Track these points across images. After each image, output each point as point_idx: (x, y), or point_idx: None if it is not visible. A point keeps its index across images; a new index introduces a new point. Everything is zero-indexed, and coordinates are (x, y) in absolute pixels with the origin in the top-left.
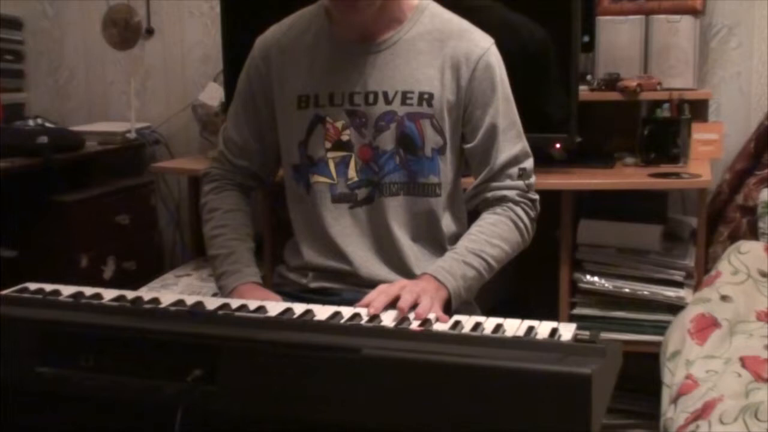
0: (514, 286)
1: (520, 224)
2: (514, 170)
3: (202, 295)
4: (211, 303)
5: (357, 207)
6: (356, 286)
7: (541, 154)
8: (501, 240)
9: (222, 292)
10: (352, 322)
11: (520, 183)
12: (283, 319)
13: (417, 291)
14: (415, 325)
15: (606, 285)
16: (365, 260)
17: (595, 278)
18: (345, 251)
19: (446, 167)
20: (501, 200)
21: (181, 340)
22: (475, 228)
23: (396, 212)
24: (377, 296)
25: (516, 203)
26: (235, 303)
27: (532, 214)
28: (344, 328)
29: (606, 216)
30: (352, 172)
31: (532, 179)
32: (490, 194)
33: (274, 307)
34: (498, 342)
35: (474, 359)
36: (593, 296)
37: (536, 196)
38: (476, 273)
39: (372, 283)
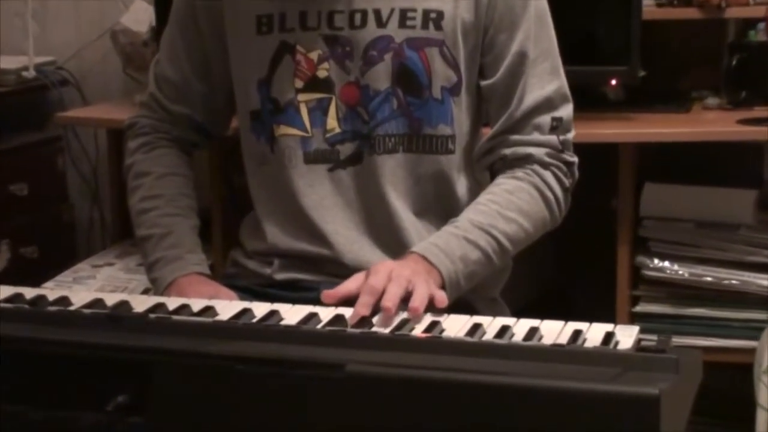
0: (555, 275)
1: (548, 194)
2: (545, 119)
3: (129, 292)
4: (141, 303)
5: (339, 169)
6: (338, 277)
7: (592, 95)
8: (519, 213)
9: (155, 287)
10: (334, 328)
11: (552, 138)
12: (239, 325)
13: (406, 276)
14: (418, 330)
15: (680, 272)
16: (351, 242)
17: (665, 263)
18: (323, 230)
19: (461, 113)
20: (524, 160)
21: (99, 355)
22: (485, 196)
23: (393, 176)
24: (371, 279)
25: (545, 166)
26: (172, 303)
27: (567, 182)
28: (322, 336)
29: (680, 178)
30: (332, 122)
31: (570, 134)
32: (509, 151)
33: (227, 307)
34: (533, 353)
35: (500, 377)
36: (662, 288)
37: (574, 158)
38: (481, 255)
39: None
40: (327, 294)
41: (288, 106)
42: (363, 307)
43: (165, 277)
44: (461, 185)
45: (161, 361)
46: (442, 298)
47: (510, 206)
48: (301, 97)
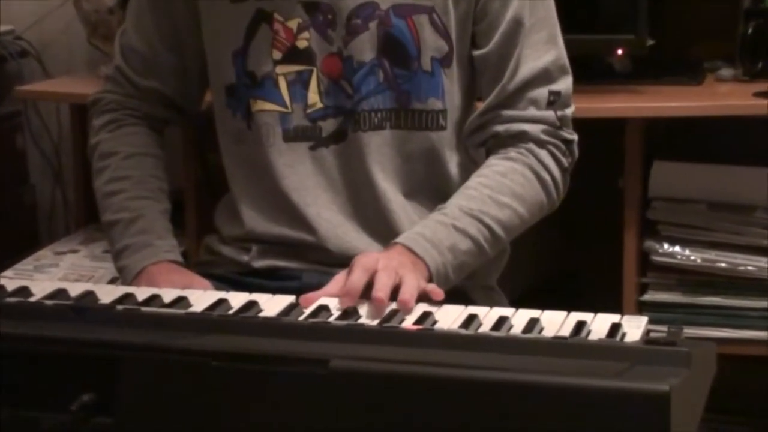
0: (556, 262)
1: (545, 176)
2: (541, 93)
3: (95, 281)
4: (107, 294)
5: (321, 147)
6: (322, 264)
7: (596, 66)
8: (513, 198)
9: (123, 276)
10: (317, 320)
11: (548, 114)
12: (214, 317)
13: (394, 267)
14: (409, 322)
15: (692, 258)
16: (335, 226)
17: (676, 248)
18: (305, 213)
19: (453, 86)
20: (518, 138)
21: (62, 350)
22: (475, 179)
23: (380, 154)
24: (350, 280)
25: (540, 144)
26: (142, 293)
27: (565, 162)
28: (305, 329)
29: (691, 156)
30: (313, 96)
31: (569, 110)
32: (501, 127)
33: (201, 298)
34: (532, 346)
35: (496, 373)
36: (673, 275)
37: (573, 136)
38: (472, 245)
39: (345, 261)
40: (306, 299)
41: (265, 79)
42: (351, 291)
43: (133, 265)
44: (454, 164)
45: (130, 356)
46: (436, 291)
47: (503, 190)
48: (280, 69)
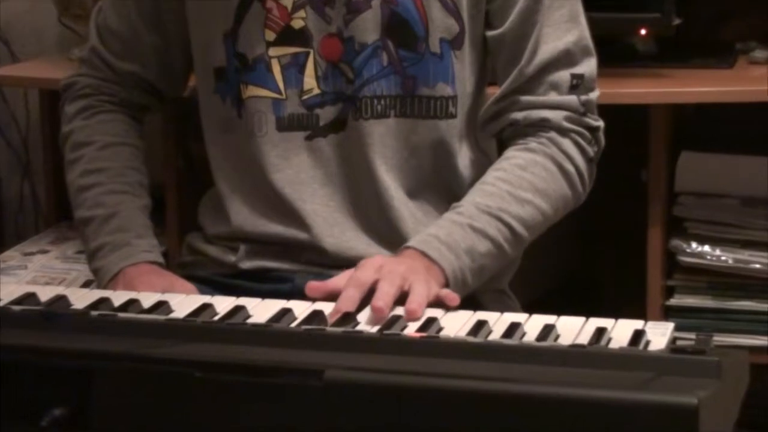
0: (573, 262)
1: (569, 167)
2: (563, 76)
3: (67, 285)
4: (81, 298)
5: (318, 137)
6: (316, 265)
7: (618, 47)
8: (535, 193)
9: (98, 278)
10: (311, 327)
11: (571, 99)
12: (198, 324)
13: (400, 273)
14: (411, 329)
15: (723, 258)
16: (331, 224)
17: (705, 247)
18: (298, 210)
19: (464, 70)
20: (538, 126)
21: (32, 360)
22: (493, 173)
23: (383, 145)
24: (345, 286)
25: (563, 132)
26: (118, 298)
27: (591, 151)
28: (297, 336)
29: (722, 146)
30: (309, 81)
31: (593, 94)
32: (520, 115)
33: (184, 302)
34: (548, 355)
35: (508, 385)
36: (702, 277)
37: (599, 122)
38: (491, 246)
39: (342, 262)
40: (312, 286)
41: (257, 62)
42: (346, 302)
43: (109, 266)
44: (463, 156)
45: (105, 367)
46: (451, 296)
47: (523, 184)
48: (273, 51)
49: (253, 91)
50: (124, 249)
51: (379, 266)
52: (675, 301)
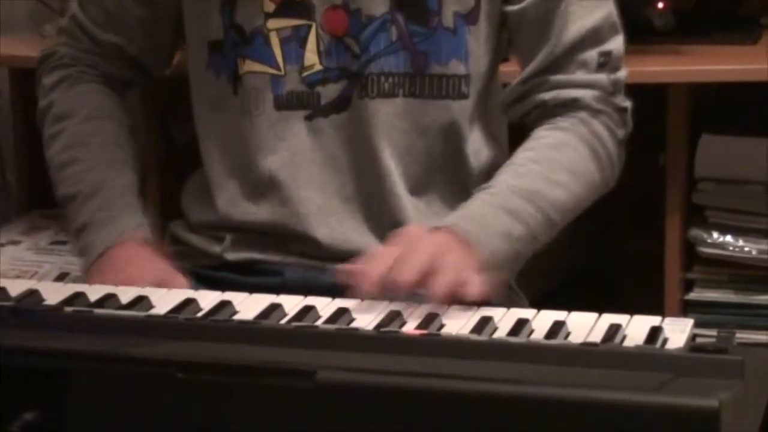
0: (585, 253)
1: (600, 150)
2: (591, 54)
3: (39, 278)
4: (54, 293)
5: (319, 117)
6: (309, 257)
7: (634, 22)
8: (567, 175)
9: (84, 259)
10: (302, 324)
11: (600, 77)
12: (180, 321)
13: (429, 251)
14: (411, 325)
15: (746, 249)
16: (328, 212)
17: (727, 237)
18: (293, 196)
19: (478, 48)
20: (568, 106)
21: (1, 361)
22: (523, 153)
23: (390, 127)
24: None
25: (594, 113)
26: (94, 292)
27: (620, 133)
28: (288, 334)
29: (745, 129)
30: (311, 56)
31: (621, 73)
32: (549, 95)
33: (165, 297)
34: (557, 354)
35: (514, 386)
36: (724, 269)
37: (627, 103)
38: (525, 231)
39: (336, 255)
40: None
41: (255, 35)
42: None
43: (95, 245)
44: (473, 142)
45: (80, 367)
46: (476, 286)
47: (555, 166)
48: (272, 23)
49: (250, 66)
50: (110, 226)
51: (412, 239)
52: (694, 295)
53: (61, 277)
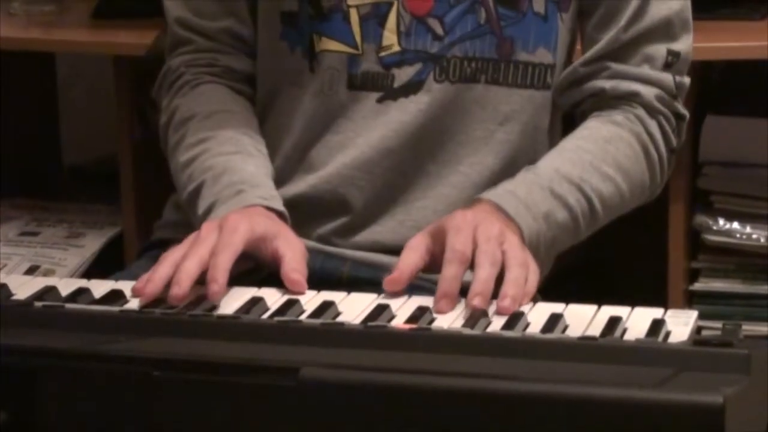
0: (586, 242)
1: (653, 152)
2: (659, 50)
3: (8, 272)
4: (23, 287)
5: (390, 100)
6: (352, 248)
7: None
8: (618, 170)
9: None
10: (284, 318)
11: (666, 77)
12: (157, 316)
13: (496, 238)
14: (399, 319)
15: (754, 236)
16: (379, 205)
17: (734, 224)
18: (345, 183)
19: (566, 37)
20: (627, 99)
21: None
22: (573, 140)
23: (468, 114)
24: (447, 263)
25: (652, 113)
26: (66, 286)
27: (674, 141)
28: (269, 329)
29: (753, 110)
30: (389, 36)
31: (687, 79)
32: (609, 84)
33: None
34: (555, 349)
35: (509, 383)
36: (730, 258)
37: (686, 112)
38: (569, 217)
39: (382, 248)
40: (391, 280)
41: (334, 11)
42: (452, 283)
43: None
44: (547, 137)
45: (51, 366)
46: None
47: (606, 158)
48: (353, 0)
49: (327, 44)
50: (237, 197)
51: (473, 229)
52: (699, 285)
53: (31, 271)
